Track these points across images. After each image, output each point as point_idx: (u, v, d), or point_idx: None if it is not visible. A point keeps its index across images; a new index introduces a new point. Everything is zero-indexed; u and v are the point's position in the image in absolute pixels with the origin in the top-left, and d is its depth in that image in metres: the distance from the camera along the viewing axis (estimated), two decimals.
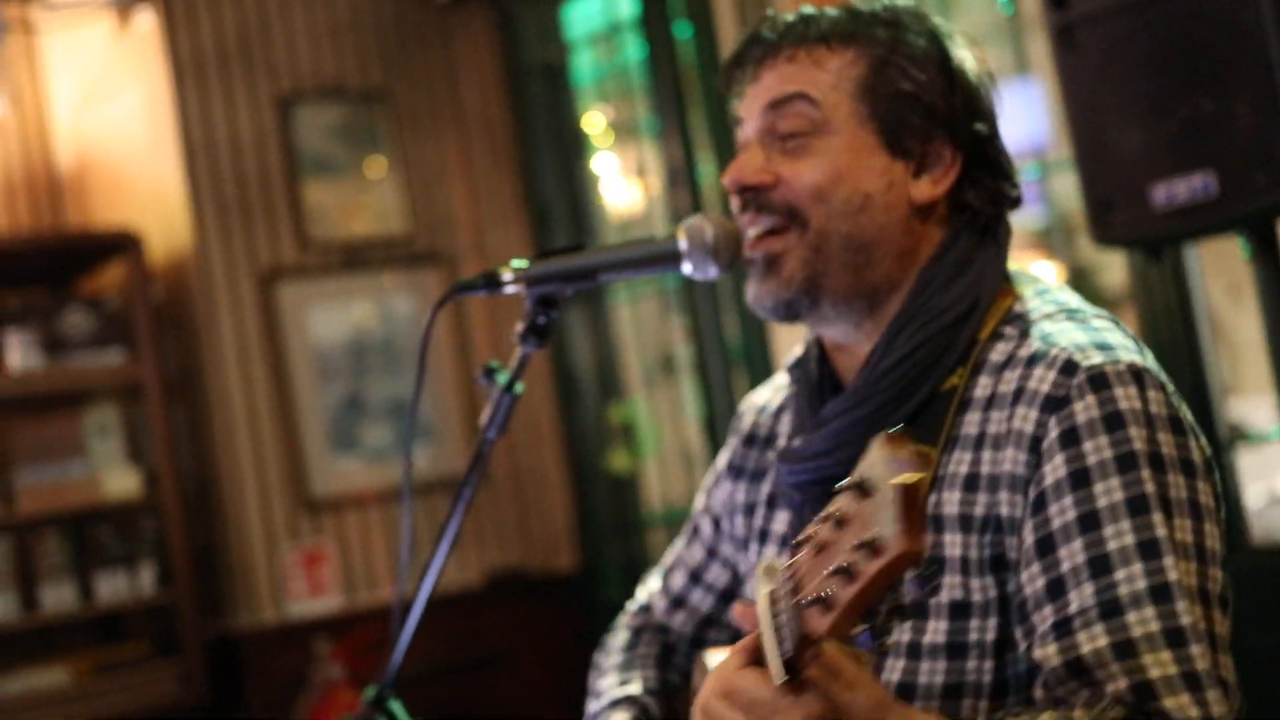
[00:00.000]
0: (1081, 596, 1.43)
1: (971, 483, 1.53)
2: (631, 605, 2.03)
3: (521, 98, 5.28)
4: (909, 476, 1.10)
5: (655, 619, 1.98)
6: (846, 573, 1.16)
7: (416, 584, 1.80)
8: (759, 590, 1.28)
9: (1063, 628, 1.43)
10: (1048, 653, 1.43)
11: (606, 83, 5.30)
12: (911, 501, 1.10)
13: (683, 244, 1.69)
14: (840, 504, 1.18)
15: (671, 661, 1.95)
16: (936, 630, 1.52)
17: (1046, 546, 1.46)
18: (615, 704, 1.85)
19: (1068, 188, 3.47)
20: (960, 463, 1.55)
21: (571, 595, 5.13)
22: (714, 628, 1.94)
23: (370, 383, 5.08)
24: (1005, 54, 3.73)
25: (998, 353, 1.57)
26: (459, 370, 5.20)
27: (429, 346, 1.83)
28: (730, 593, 1.92)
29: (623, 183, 5.36)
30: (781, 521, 1.75)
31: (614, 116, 5.35)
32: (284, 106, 5.05)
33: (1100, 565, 1.43)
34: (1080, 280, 3.80)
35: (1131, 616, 1.40)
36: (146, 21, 4.95)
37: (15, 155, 5.34)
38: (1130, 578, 1.42)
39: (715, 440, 4.55)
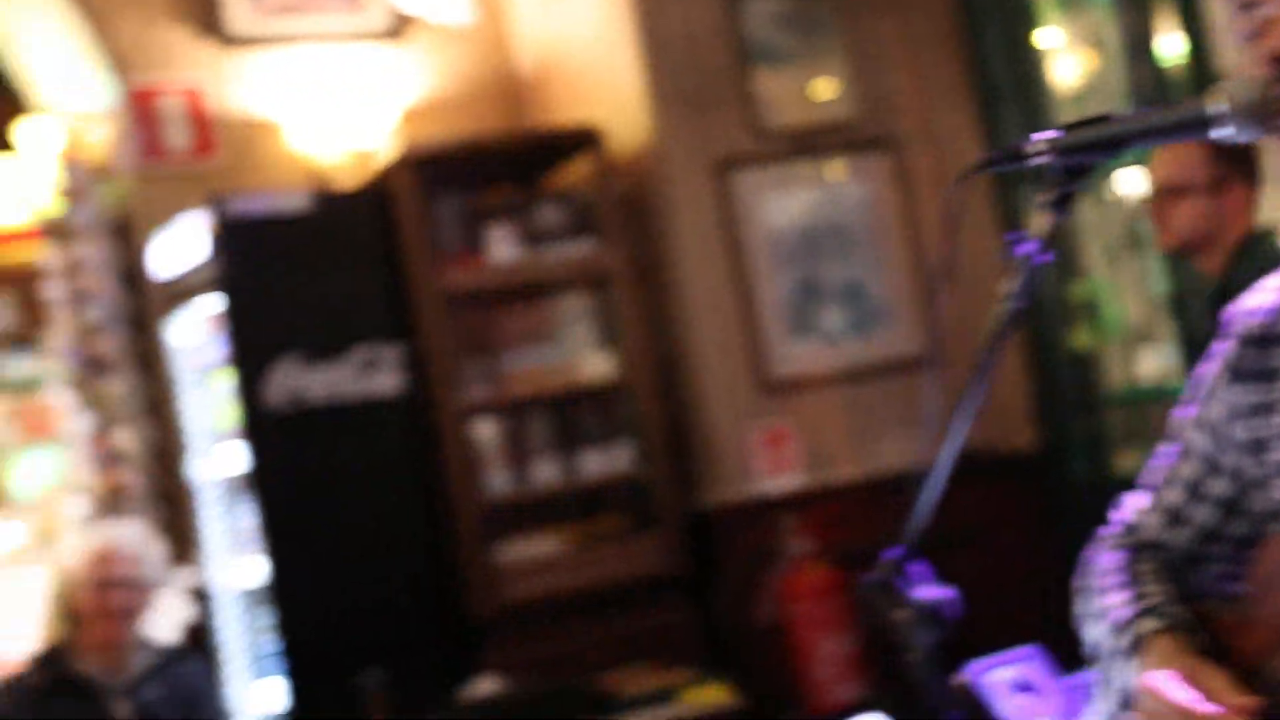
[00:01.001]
0: None
1: None
2: (1109, 529, 2.03)
3: None
4: None
5: (1148, 537, 1.97)
6: None
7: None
8: None
9: None
10: None
11: None
12: None
13: (1224, 107, 1.68)
14: None
15: (1170, 577, 1.94)
16: None
17: None
18: (1140, 615, 1.83)
19: None
20: None
21: (1033, 474, 5.10)
22: (1215, 541, 1.93)
23: (824, 268, 5.17)
24: None
25: None
26: (909, 253, 5.22)
27: (955, 222, 1.88)
28: (1233, 502, 1.91)
29: (1073, 56, 5.22)
30: None
31: None
32: None
33: None
34: None
35: None
36: None
37: (485, 61, 5.68)
38: None
39: (1182, 318, 4.42)
